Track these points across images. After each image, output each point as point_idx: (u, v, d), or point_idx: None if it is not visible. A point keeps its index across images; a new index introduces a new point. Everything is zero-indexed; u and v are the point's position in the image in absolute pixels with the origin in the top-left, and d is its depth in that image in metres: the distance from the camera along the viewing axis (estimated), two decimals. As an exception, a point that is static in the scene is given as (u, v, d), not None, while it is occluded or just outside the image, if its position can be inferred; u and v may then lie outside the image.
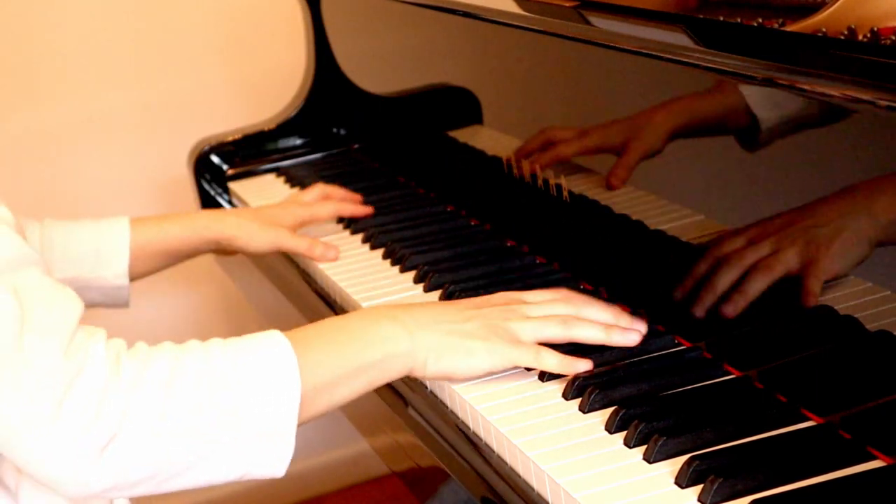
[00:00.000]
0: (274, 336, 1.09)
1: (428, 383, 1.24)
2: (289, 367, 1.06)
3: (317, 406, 1.10)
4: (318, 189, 1.69)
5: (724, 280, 1.11)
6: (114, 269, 1.51)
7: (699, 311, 1.15)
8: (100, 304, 1.53)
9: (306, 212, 1.64)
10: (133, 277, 1.54)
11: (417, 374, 1.16)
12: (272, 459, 1.06)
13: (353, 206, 1.68)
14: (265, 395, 1.05)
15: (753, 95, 1.05)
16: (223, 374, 1.04)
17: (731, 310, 1.11)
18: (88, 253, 1.50)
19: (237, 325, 2.44)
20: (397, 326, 1.15)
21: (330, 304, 1.51)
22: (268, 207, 1.67)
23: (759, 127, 1.05)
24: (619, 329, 1.19)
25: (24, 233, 1.17)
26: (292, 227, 1.60)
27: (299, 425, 1.07)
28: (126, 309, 1.55)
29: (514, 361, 1.16)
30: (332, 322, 1.17)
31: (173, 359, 1.04)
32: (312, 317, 1.53)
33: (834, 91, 0.94)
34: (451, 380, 1.17)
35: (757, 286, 1.08)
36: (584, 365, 1.15)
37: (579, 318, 1.19)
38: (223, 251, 1.62)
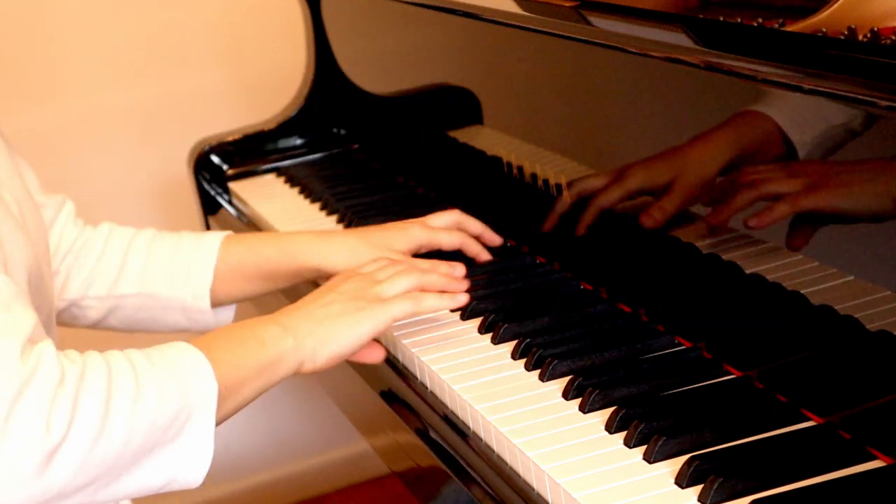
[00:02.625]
0: (185, 347, 1.10)
1: (428, 383, 1.24)
2: (205, 372, 1.08)
3: (227, 407, 1.12)
4: (452, 216, 1.47)
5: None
6: (193, 289, 1.40)
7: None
8: (186, 328, 1.43)
9: (426, 236, 1.43)
10: (225, 300, 1.43)
11: (308, 367, 1.19)
12: (194, 463, 1.07)
13: (480, 247, 1.46)
14: (187, 401, 1.06)
15: (786, 121, 1.04)
16: (150, 384, 1.04)
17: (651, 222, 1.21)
18: (168, 268, 1.41)
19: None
20: (277, 328, 1.18)
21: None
22: (380, 230, 1.45)
23: (795, 152, 1.04)
24: (457, 282, 1.30)
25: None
26: (407, 253, 1.42)
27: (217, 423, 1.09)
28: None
29: (394, 315, 1.23)
30: (225, 331, 1.18)
31: (107, 369, 1.04)
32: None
33: (834, 91, 0.95)
34: (343, 357, 1.21)
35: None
36: (462, 296, 1.27)
37: (423, 271, 1.29)
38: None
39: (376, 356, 1.25)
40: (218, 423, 1.10)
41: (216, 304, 1.42)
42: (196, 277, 1.40)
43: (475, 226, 1.47)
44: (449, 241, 1.44)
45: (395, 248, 1.40)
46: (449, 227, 1.45)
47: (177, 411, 1.05)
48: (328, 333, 1.19)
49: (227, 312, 1.44)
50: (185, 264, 1.40)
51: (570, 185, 1.37)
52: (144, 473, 1.05)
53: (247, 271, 1.41)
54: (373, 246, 1.40)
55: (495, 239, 1.47)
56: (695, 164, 1.17)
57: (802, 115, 1.02)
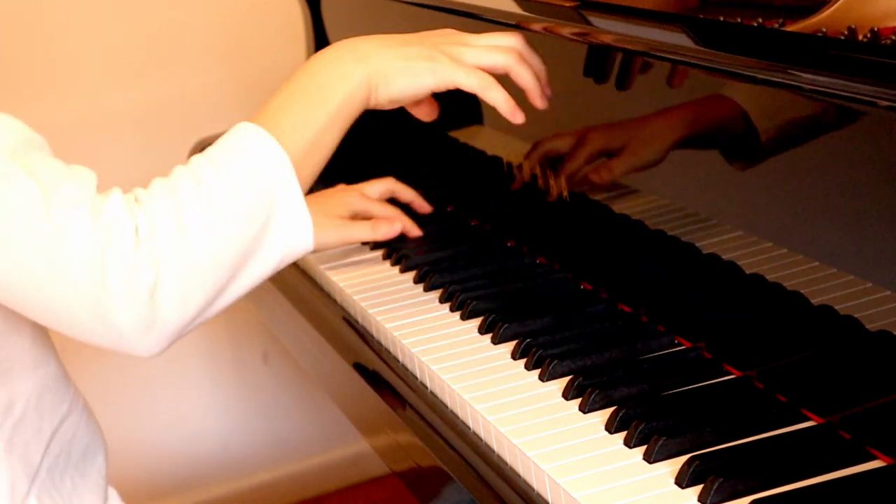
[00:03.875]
0: (246, 128, 1.15)
1: (428, 383, 1.24)
2: (271, 149, 1.13)
3: (312, 164, 1.17)
4: (386, 184, 1.58)
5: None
6: None
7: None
8: None
9: (362, 205, 1.53)
10: None
11: (371, 102, 1.21)
12: (297, 234, 1.14)
13: (412, 223, 1.54)
14: (263, 183, 1.11)
15: (751, 104, 1.05)
16: (218, 184, 1.09)
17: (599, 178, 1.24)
18: None
19: (238, 327, 2.45)
20: (348, 61, 1.20)
21: (330, 303, 1.51)
22: (320, 196, 1.53)
23: (758, 137, 1.05)
24: (544, 86, 1.26)
25: None
26: (346, 218, 1.52)
27: (305, 187, 1.15)
28: None
29: (456, 82, 1.22)
30: (288, 85, 1.21)
31: (169, 191, 1.09)
32: (312, 316, 1.53)
33: (834, 91, 0.95)
34: (399, 102, 1.23)
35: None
36: (520, 116, 1.23)
37: (522, 57, 1.25)
38: None
39: (426, 115, 1.28)
40: (308, 184, 1.16)
41: None
42: None
43: (407, 193, 1.58)
44: (382, 212, 1.52)
45: (338, 215, 1.50)
46: (383, 194, 1.55)
47: (256, 201, 1.10)
48: (393, 74, 1.20)
49: None
50: None
51: (534, 146, 1.43)
52: (255, 266, 1.12)
53: None
54: (316, 215, 1.45)
55: (425, 206, 1.59)
56: (648, 132, 1.22)
57: (770, 103, 1.02)
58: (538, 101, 1.26)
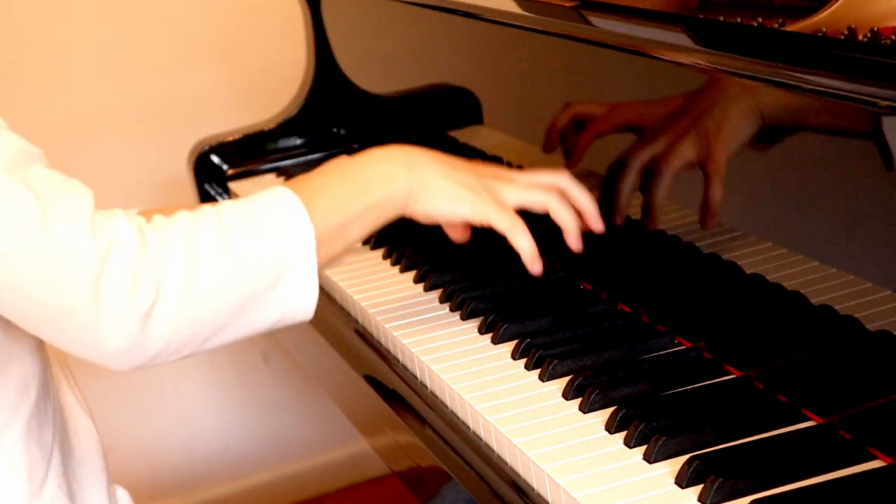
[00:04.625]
0: (282, 192, 1.16)
1: (428, 383, 1.24)
2: (299, 215, 1.14)
3: (334, 248, 1.18)
4: (559, 178, 1.40)
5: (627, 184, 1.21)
6: None
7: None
8: None
9: (521, 196, 1.50)
10: None
11: (408, 210, 1.22)
12: (301, 301, 1.15)
13: (576, 229, 1.42)
14: (282, 244, 1.13)
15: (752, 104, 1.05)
16: (240, 232, 1.11)
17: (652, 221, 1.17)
18: None
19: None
20: (398, 165, 1.22)
21: (329, 304, 1.51)
22: (482, 168, 1.43)
23: (758, 138, 1.05)
24: (594, 222, 1.24)
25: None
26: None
27: (321, 268, 1.16)
28: None
29: (490, 220, 1.22)
30: (336, 167, 1.23)
31: (191, 225, 1.10)
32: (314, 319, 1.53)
33: (834, 91, 0.95)
34: (433, 220, 1.24)
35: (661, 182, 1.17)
36: (538, 267, 1.22)
37: (565, 195, 1.24)
38: None
39: (457, 236, 1.29)
40: (325, 265, 1.17)
41: None
42: None
43: (582, 198, 1.26)
44: (541, 205, 1.25)
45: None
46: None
47: (270, 260, 1.12)
48: (435, 192, 1.22)
49: None
50: None
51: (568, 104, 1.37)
52: (250, 319, 1.13)
53: None
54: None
55: (599, 225, 1.26)
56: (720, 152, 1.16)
57: (770, 104, 1.03)
58: (573, 243, 1.24)
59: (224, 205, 1.14)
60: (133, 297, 1.06)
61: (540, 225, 1.44)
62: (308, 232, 1.15)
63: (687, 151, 1.15)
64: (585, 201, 1.26)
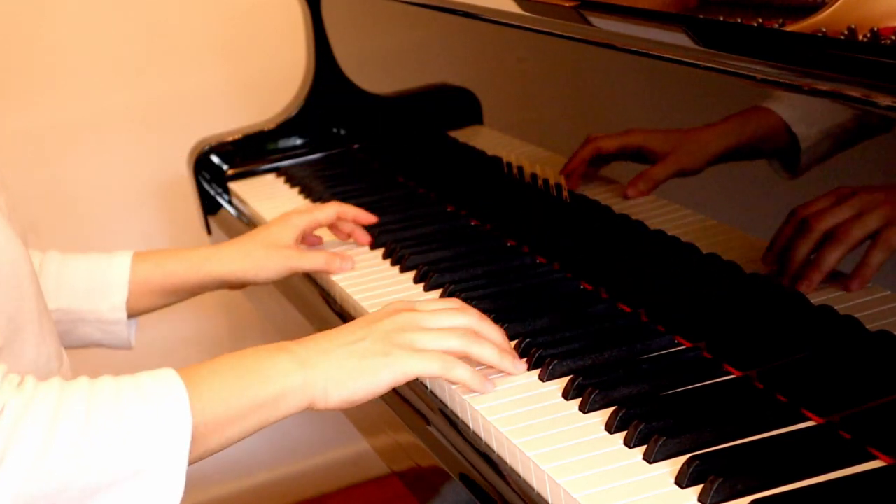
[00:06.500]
0: (167, 374, 1.06)
1: (428, 383, 1.24)
2: (179, 403, 1.04)
3: (208, 444, 1.07)
4: (333, 207, 1.58)
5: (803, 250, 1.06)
6: (110, 302, 1.45)
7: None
8: (99, 341, 1.47)
9: (304, 219, 1.53)
10: (134, 314, 1.48)
11: (319, 406, 1.12)
12: (161, 497, 1.02)
13: (358, 209, 1.58)
14: (153, 433, 1.02)
15: (791, 115, 1.04)
16: (109, 410, 1.01)
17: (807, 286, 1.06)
18: (84, 283, 1.45)
19: (237, 328, 2.45)
20: (291, 361, 1.11)
21: (329, 304, 1.51)
22: (264, 229, 1.54)
23: (799, 146, 1.04)
24: (511, 355, 1.18)
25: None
26: (297, 241, 1.52)
27: (190, 463, 1.04)
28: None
29: (417, 371, 1.13)
30: (227, 359, 1.12)
31: (59, 394, 1.01)
32: (311, 317, 1.53)
33: (834, 91, 0.95)
34: (355, 403, 1.13)
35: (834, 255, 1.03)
36: (489, 385, 1.15)
37: (478, 335, 1.17)
38: (234, 286, 1.53)
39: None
40: (198, 459, 1.05)
41: (128, 316, 1.48)
42: (113, 291, 1.46)
43: (351, 210, 1.58)
44: (324, 214, 1.55)
45: (284, 242, 1.50)
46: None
47: (137, 448, 1.01)
48: (344, 376, 1.12)
49: (132, 327, 1.50)
50: (101, 279, 1.46)
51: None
52: (102, 501, 1.01)
53: (153, 286, 1.48)
54: (264, 245, 1.50)
55: (370, 217, 1.59)
56: (693, 143, 1.17)
57: (808, 111, 1.02)
58: (511, 370, 1.17)
59: (104, 379, 1.04)
60: None
61: (540, 224, 1.44)
62: (185, 423, 1.03)
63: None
64: (497, 337, 1.19)
